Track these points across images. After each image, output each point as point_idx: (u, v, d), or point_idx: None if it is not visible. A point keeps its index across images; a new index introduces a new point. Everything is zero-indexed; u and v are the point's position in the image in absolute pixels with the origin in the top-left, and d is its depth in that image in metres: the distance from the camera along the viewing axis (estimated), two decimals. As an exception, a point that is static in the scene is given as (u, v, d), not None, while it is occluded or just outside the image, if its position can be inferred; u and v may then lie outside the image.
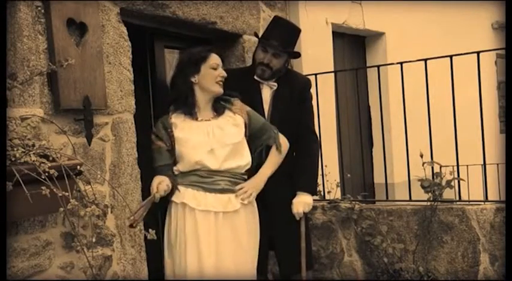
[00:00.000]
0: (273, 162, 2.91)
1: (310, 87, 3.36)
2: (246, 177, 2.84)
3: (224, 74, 2.76)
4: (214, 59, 2.77)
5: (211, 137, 2.71)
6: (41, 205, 2.07)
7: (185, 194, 2.70)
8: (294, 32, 3.29)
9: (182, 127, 2.75)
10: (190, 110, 2.75)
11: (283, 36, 3.18)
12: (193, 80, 2.74)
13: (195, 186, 2.71)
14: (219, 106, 2.81)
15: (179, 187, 2.73)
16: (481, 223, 3.30)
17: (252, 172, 2.88)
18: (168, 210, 2.78)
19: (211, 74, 2.73)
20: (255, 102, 3.13)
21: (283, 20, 3.44)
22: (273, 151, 2.91)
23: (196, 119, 2.76)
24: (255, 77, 3.19)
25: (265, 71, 3.16)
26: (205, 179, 2.70)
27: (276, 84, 3.22)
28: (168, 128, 2.75)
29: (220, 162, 2.70)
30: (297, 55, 3.34)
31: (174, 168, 2.76)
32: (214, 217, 2.69)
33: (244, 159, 2.80)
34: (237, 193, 2.75)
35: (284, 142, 2.95)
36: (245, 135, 2.82)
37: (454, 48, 3.85)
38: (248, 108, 2.89)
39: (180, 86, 2.75)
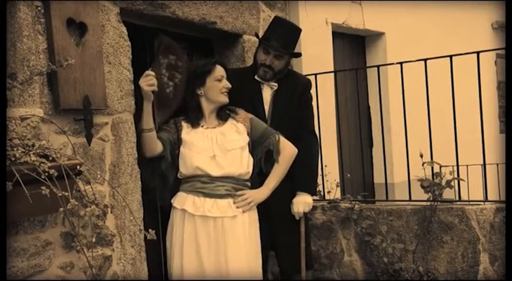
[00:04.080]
0: (275, 174, 2.96)
1: (310, 88, 3.36)
2: (249, 184, 2.89)
3: (229, 85, 2.89)
4: (219, 71, 2.88)
5: (214, 144, 2.80)
6: (41, 205, 2.07)
7: (186, 201, 2.79)
8: (295, 32, 3.29)
9: (188, 132, 2.86)
10: (196, 120, 2.88)
11: (285, 37, 3.18)
12: (199, 92, 2.87)
13: (196, 192, 2.78)
14: (223, 114, 2.91)
15: (181, 193, 2.82)
16: (481, 223, 3.30)
17: (253, 179, 2.92)
18: (170, 214, 2.87)
19: (216, 86, 2.86)
20: (255, 102, 3.14)
21: (283, 21, 3.43)
22: (275, 162, 2.96)
23: (202, 126, 2.87)
24: (256, 78, 3.19)
25: (267, 72, 3.16)
26: (207, 184, 2.77)
27: (276, 84, 3.21)
28: (177, 124, 2.87)
29: (222, 169, 2.77)
30: (298, 55, 3.34)
31: (179, 172, 2.84)
32: (213, 222, 2.75)
33: (245, 167, 2.84)
34: (235, 200, 2.80)
35: (287, 147, 2.97)
36: (248, 144, 2.88)
37: (454, 48, 3.85)
38: (251, 116, 2.97)
39: (187, 98, 2.87)
